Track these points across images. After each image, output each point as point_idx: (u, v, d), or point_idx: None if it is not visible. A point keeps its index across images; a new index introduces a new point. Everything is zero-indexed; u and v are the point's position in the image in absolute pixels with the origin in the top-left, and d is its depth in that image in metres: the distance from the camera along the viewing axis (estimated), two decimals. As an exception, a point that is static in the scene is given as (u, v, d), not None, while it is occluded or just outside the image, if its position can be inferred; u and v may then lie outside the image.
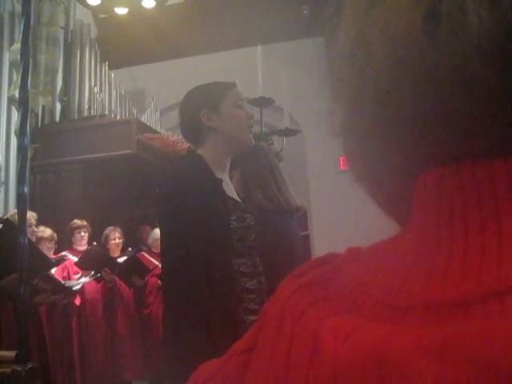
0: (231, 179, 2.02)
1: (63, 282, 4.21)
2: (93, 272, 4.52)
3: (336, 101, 0.34)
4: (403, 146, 0.29)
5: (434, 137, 0.27)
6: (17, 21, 5.48)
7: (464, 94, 0.26)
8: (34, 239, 3.96)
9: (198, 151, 1.75)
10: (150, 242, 5.52)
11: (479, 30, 0.24)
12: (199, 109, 1.74)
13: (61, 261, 4.39)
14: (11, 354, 1.85)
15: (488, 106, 0.25)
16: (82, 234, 4.84)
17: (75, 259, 4.61)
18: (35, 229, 4.21)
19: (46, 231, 4.40)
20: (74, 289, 4.36)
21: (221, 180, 1.68)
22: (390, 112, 0.29)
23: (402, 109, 0.28)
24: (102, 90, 6.10)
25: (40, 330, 3.95)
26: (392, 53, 0.28)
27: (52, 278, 4.15)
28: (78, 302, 4.44)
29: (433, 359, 0.22)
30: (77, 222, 4.85)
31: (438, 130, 0.27)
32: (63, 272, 4.46)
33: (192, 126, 1.78)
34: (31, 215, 4.01)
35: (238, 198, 1.78)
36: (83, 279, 4.46)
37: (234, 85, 1.84)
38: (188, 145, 1.81)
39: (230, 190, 1.77)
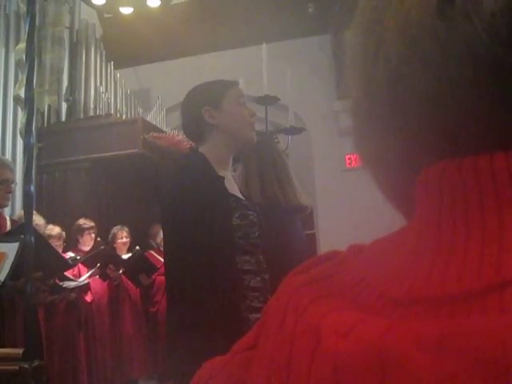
0: (235, 171, 2.01)
1: (61, 283, 4.19)
2: (97, 265, 4.49)
3: (349, 82, 0.34)
4: (410, 129, 0.29)
5: (441, 120, 0.27)
6: (22, 21, 5.50)
7: (474, 74, 0.26)
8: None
9: (200, 149, 1.75)
10: (158, 240, 5.54)
11: (493, 9, 0.24)
12: (201, 106, 1.74)
13: (76, 262, 4.39)
14: (18, 351, 1.86)
15: (496, 89, 0.25)
16: (93, 235, 4.85)
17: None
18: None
19: (55, 229, 4.40)
20: (82, 283, 4.36)
21: (223, 178, 1.68)
22: (401, 91, 0.29)
23: (412, 88, 0.28)
24: (107, 90, 6.10)
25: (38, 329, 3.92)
26: (405, 32, 0.28)
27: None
28: (89, 298, 4.45)
29: (431, 353, 0.22)
30: (86, 222, 4.82)
31: (445, 113, 0.27)
32: (73, 270, 4.47)
33: (194, 124, 1.78)
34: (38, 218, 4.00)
35: (240, 195, 1.77)
36: (83, 277, 4.45)
37: (235, 83, 1.86)
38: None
39: (233, 187, 1.77)
